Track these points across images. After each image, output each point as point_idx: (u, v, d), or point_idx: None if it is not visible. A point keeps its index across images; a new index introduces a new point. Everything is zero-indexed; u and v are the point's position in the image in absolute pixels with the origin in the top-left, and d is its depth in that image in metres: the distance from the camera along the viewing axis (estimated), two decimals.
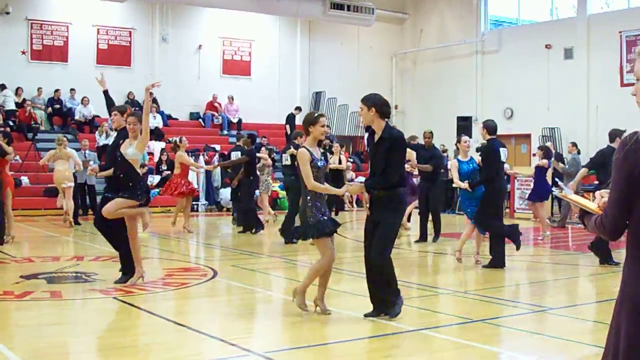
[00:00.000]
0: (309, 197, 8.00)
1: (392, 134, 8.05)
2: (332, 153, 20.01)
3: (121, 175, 10.03)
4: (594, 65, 27.30)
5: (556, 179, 16.88)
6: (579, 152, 21.56)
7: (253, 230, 17.26)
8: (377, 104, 8.06)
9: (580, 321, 8.46)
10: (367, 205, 8.07)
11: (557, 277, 12.19)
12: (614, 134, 12.63)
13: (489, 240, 12.64)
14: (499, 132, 12.53)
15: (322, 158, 8.19)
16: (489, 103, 30.81)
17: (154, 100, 27.97)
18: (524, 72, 29.28)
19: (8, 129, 19.96)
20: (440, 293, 10.19)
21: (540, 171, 17.32)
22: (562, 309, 8.99)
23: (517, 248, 12.35)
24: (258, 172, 18.14)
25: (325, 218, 8.04)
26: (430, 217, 16.21)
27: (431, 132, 16.56)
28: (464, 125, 27.99)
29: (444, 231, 16.52)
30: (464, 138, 12.92)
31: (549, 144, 22.19)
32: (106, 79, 11.38)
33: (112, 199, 10.00)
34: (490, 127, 12.18)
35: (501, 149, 12.27)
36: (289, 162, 15.59)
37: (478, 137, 14.87)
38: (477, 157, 12.76)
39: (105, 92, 11.44)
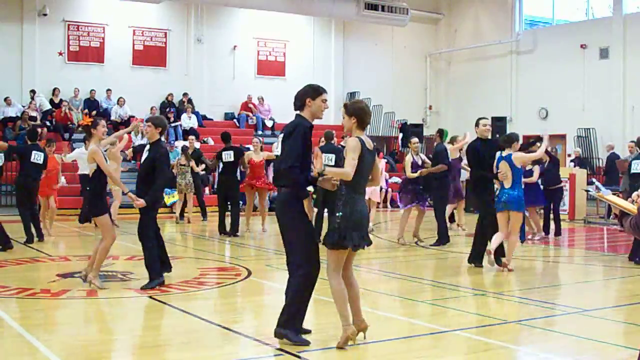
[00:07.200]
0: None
1: None
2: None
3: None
4: (630, 65, 27.07)
5: (593, 179, 16.60)
6: None
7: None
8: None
9: (615, 323, 8.40)
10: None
11: (592, 279, 12.11)
12: None
13: None
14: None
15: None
16: (523, 103, 30.66)
17: (189, 101, 28.17)
18: (559, 72, 29.08)
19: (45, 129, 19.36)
20: (474, 294, 10.15)
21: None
22: (596, 311, 8.92)
23: None
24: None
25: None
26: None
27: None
28: (499, 126, 27.77)
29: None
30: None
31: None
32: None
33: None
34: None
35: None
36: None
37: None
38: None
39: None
